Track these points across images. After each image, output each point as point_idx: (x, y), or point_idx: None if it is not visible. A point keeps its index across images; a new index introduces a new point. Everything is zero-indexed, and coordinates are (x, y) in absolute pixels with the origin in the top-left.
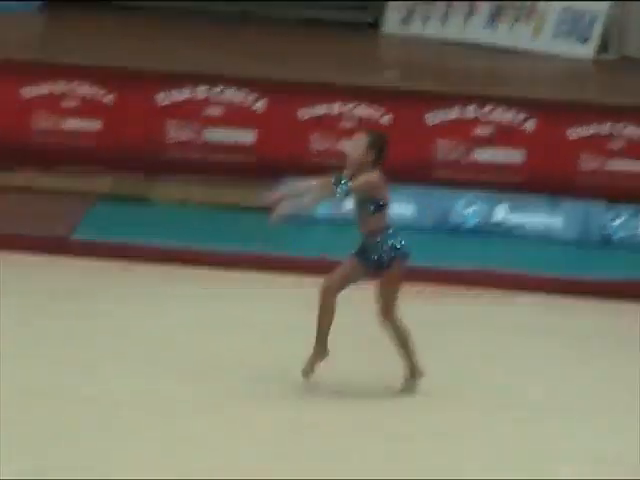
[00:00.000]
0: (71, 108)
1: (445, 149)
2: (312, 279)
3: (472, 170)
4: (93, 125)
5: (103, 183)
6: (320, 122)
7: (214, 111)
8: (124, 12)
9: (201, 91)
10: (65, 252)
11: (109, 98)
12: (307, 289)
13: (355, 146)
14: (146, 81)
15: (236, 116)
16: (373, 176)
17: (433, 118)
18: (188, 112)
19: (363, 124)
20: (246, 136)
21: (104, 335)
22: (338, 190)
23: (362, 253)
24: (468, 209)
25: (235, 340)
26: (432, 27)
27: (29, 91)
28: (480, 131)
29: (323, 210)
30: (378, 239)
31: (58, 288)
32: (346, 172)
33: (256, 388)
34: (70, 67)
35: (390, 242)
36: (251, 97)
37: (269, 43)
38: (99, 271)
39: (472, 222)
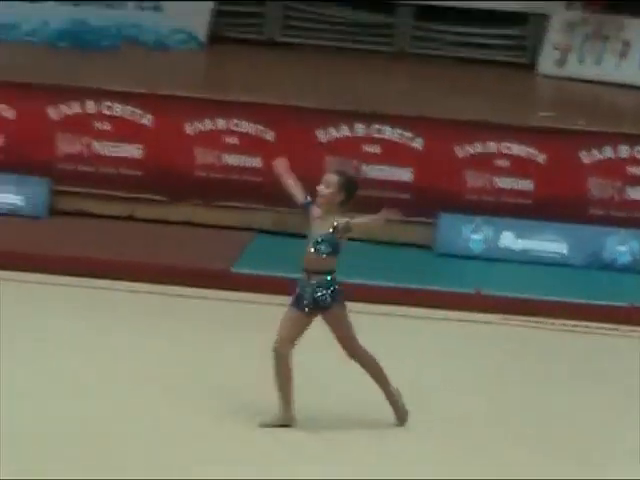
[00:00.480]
0: (233, 144)
1: (598, 187)
2: (466, 313)
3: (625, 208)
4: (254, 161)
5: (264, 218)
6: (476, 160)
7: (372, 148)
8: (284, 50)
9: (359, 128)
10: (224, 285)
11: (270, 135)
12: (460, 323)
13: (327, 184)
14: (306, 118)
15: (394, 153)
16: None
17: (587, 156)
18: (347, 148)
19: (518, 162)
20: (403, 173)
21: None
22: (341, 224)
23: (298, 299)
24: (620, 246)
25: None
26: (587, 68)
27: (192, 126)
28: (633, 170)
29: (477, 245)
30: (319, 280)
31: (217, 321)
32: (315, 207)
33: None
34: (232, 103)
35: (333, 286)
36: (408, 135)
37: (425, 81)
38: (258, 305)
39: (624, 259)
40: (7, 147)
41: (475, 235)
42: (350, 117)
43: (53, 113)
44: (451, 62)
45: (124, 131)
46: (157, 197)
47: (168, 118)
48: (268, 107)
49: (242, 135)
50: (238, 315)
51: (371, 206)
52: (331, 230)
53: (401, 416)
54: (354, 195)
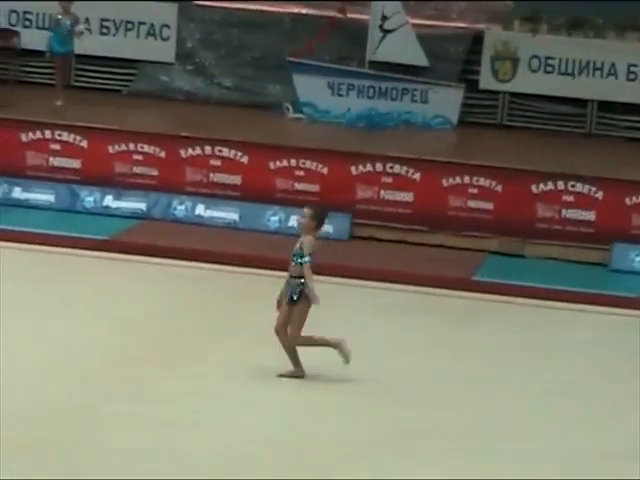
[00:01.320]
0: (474, 193)
1: None
2: None
3: None
4: (488, 205)
5: (491, 243)
6: None
7: None
8: (511, 131)
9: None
10: (467, 289)
11: (498, 187)
12: None
13: (303, 216)
14: (523, 176)
15: None
16: (311, 239)
17: None
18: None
19: None
20: None
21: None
22: (304, 261)
23: (286, 295)
24: None
25: None
26: None
27: (445, 181)
28: None
29: None
30: (298, 282)
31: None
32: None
33: None
34: (473, 166)
35: (302, 288)
36: None
37: None
38: (486, 303)
39: None
40: (321, 194)
41: None
42: None
43: (354, 170)
44: None
45: (400, 184)
46: (421, 227)
47: (430, 175)
48: (494, 168)
49: (478, 187)
50: (477, 313)
51: (569, 237)
52: (298, 246)
53: (288, 375)
54: (324, 221)
